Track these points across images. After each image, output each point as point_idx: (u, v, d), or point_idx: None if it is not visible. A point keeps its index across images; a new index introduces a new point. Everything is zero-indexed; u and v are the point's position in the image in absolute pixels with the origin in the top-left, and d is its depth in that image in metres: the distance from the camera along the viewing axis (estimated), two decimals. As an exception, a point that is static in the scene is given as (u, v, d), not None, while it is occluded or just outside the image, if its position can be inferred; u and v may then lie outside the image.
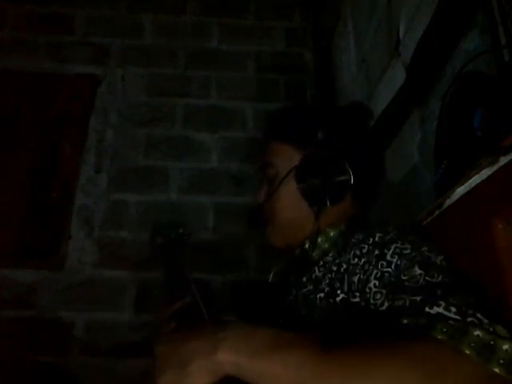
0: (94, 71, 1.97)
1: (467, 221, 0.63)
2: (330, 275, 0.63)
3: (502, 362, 0.40)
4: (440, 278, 0.51)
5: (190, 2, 2.14)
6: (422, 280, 0.51)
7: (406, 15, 1.11)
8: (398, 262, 0.54)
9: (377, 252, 0.58)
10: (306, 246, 0.71)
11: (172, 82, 1.98)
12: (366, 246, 0.60)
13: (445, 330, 0.43)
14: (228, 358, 0.43)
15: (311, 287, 0.65)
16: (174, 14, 2.11)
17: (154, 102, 1.94)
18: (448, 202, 0.67)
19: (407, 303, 0.48)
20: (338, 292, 0.59)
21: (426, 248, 0.56)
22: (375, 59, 1.38)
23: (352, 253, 0.61)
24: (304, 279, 0.68)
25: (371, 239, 0.61)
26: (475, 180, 0.61)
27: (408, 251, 0.55)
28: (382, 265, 0.55)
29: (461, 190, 0.64)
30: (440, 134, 0.80)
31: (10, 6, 2.03)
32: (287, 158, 0.73)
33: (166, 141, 1.89)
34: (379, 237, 0.60)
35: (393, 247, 0.57)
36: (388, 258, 0.56)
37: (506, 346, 0.41)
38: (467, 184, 0.62)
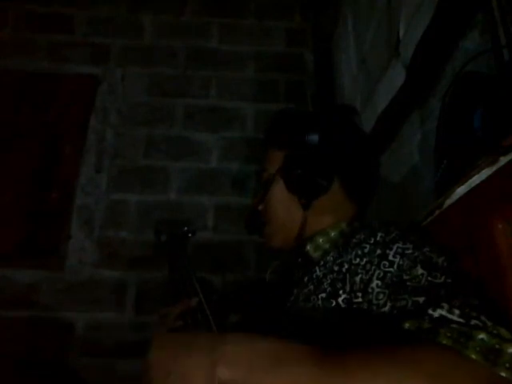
0: (93, 71, 1.97)
1: (467, 221, 0.63)
2: (331, 275, 0.63)
3: (507, 365, 0.40)
4: (442, 278, 0.51)
5: (190, 2, 2.14)
6: (424, 280, 0.51)
7: (406, 15, 1.11)
8: (401, 262, 0.54)
9: (379, 252, 0.57)
10: (308, 247, 0.72)
11: (172, 82, 1.98)
12: (368, 246, 0.60)
13: (449, 334, 0.43)
14: (227, 375, 0.43)
15: (312, 287, 0.65)
16: (174, 13, 2.11)
17: (154, 102, 1.94)
18: (448, 201, 0.67)
19: (409, 304, 0.48)
20: (340, 292, 0.59)
21: (427, 248, 0.56)
22: (375, 59, 1.38)
23: (354, 253, 0.61)
24: (305, 279, 0.68)
25: (373, 239, 0.61)
26: (475, 180, 0.61)
27: (410, 251, 0.55)
28: (384, 265, 0.55)
29: (461, 190, 0.64)
30: (440, 134, 0.80)
31: (10, 6, 2.03)
32: (275, 162, 0.77)
33: (166, 141, 1.89)
34: (381, 236, 0.60)
35: (395, 247, 0.57)
36: (390, 257, 0.56)
37: (511, 350, 0.41)
38: (467, 184, 0.62)
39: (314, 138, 0.75)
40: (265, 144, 0.82)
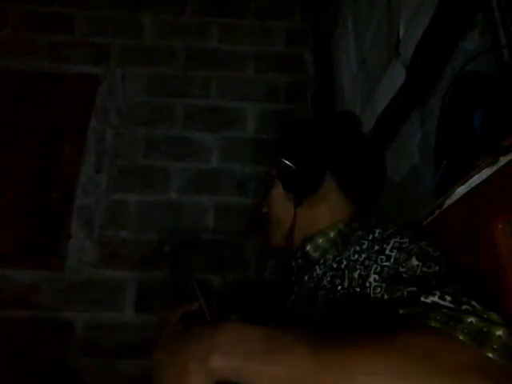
0: (93, 71, 1.97)
1: (467, 221, 0.63)
2: (330, 272, 0.64)
3: (495, 347, 0.41)
4: (437, 268, 0.52)
5: (190, 2, 2.14)
6: (419, 271, 0.52)
7: (406, 15, 1.11)
8: (397, 256, 0.55)
9: (376, 247, 0.58)
10: (308, 248, 0.72)
11: (172, 82, 1.98)
12: (366, 242, 0.61)
13: (439, 318, 0.44)
14: (222, 363, 0.43)
15: (312, 285, 0.66)
16: (174, 13, 2.11)
17: (154, 102, 1.94)
18: (448, 201, 0.67)
19: (405, 294, 0.49)
20: (339, 288, 0.60)
21: (424, 242, 0.56)
22: (375, 59, 1.38)
23: (352, 249, 0.62)
24: (306, 278, 0.69)
25: (371, 235, 0.61)
26: (475, 180, 0.61)
27: (406, 244, 0.56)
28: (381, 259, 0.56)
29: (461, 190, 0.64)
30: (440, 134, 0.80)
31: (10, 6, 2.03)
32: (276, 166, 0.80)
33: (166, 141, 1.89)
34: (379, 233, 0.61)
35: (392, 242, 0.57)
36: (387, 252, 0.56)
37: (499, 332, 0.42)
38: (467, 184, 0.62)
39: (307, 137, 0.77)
40: (271, 150, 0.86)
